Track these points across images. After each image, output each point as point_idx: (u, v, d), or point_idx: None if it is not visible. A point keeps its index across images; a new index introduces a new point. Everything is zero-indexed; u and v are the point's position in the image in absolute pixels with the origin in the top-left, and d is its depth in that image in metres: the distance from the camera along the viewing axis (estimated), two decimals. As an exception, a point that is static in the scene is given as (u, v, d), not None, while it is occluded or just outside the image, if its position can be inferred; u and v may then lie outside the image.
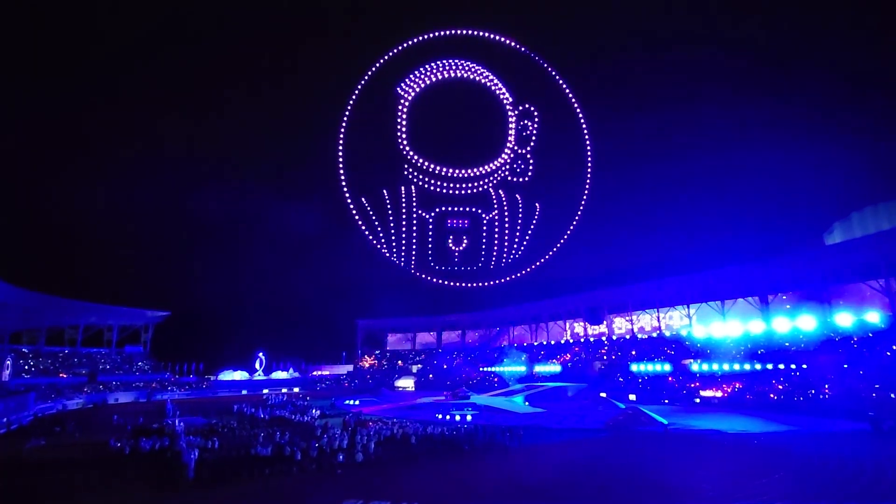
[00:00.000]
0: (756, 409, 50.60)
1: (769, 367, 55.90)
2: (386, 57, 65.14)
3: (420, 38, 65.40)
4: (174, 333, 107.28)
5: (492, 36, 66.88)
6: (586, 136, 67.32)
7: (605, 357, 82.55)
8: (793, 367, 53.75)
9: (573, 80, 67.74)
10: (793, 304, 64.55)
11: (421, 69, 65.87)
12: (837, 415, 42.61)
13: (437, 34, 65.39)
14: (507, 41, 67.07)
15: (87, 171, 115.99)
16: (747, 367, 58.05)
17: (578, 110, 67.87)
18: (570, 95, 67.60)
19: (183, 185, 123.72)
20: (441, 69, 66.21)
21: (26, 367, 79.29)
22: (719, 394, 57.06)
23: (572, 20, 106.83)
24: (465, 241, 65.71)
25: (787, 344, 57.74)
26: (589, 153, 67.64)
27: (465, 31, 66.61)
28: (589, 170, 67.83)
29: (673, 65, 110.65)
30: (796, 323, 57.94)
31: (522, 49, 67.28)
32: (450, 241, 65.58)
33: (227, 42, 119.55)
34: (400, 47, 65.30)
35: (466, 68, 67.32)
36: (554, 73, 67.49)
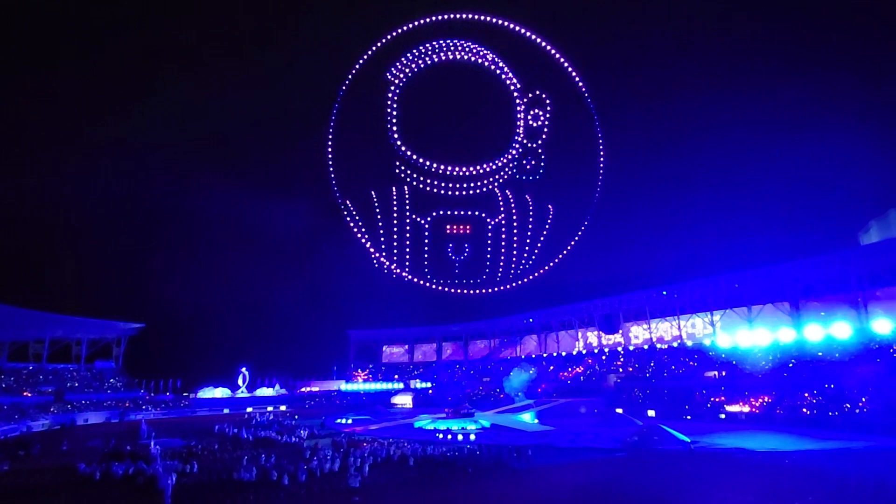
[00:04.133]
0: (787, 424, 50.45)
1: (801, 378, 55.79)
2: (379, 44, 63.86)
3: (417, 22, 64.07)
4: (149, 347, 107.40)
5: (496, 21, 65.82)
6: (599, 130, 66.77)
7: (621, 369, 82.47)
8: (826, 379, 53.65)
9: (585, 72, 67.12)
10: (826, 309, 64.48)
11: (415, 51, 62.98)
12: (876, 431, 42.52)
13: (434, 18, 63.94)
14: (513, 26, 66.02)
15: (54, 172, 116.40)
16: (777, 379, 57.95)
17: (590, 103, 67.20)
18: (582, 87, 66.51)
19: (160, 187, 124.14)
20: (438, 50, 63.24)
21: (-13, 386, 79.24)
22: (746, 408, 56.93)
23: (586, 6, 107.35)
24: (467, 246, 64.84)
25: (820, 353, 57.62)
26: (602, 148, 67.12)
27: (466, 15, 64.12)
28: (602, 165, 67.28)
29: (699, 56, 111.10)
30: (830, 330, 57.84)
31: (530, 35, 66.70)
32: (450, 246, 64.54)
33: (211, 47, 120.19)
34: (394, 33, 63.77)
35: (467, 49, 63.71)
36: (564, 62, 66.60)
